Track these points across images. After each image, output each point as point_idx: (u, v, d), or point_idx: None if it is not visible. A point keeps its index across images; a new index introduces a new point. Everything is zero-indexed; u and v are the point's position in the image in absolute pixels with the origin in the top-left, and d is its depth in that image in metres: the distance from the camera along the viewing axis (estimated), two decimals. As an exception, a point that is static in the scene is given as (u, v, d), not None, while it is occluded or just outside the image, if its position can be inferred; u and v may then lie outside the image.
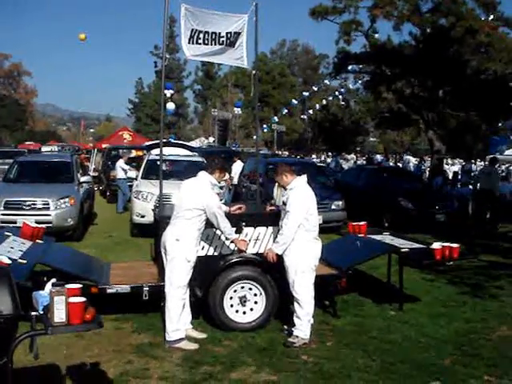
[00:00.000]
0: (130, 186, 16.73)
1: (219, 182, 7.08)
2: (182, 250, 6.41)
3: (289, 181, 6.81)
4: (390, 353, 6.39)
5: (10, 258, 6.49)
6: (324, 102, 59.50)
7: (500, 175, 18.65)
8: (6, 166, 16.86)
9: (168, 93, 40.29)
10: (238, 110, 52.62)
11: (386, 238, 8.96)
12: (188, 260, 6.42)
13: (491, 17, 22.65)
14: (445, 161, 28.07)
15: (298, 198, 6.64)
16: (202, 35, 8.62)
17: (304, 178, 6.88)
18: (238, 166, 20.11)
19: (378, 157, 41.46)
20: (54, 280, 4.32)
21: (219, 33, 8.71)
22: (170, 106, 39.33)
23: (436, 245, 7.86)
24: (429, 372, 5.90)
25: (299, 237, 6.61)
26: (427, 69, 22.33)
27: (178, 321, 6.46)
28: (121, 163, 19.25)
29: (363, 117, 61.67)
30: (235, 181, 19.60)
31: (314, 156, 52.11)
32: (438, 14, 22.82)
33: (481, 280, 9.92)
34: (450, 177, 24.63)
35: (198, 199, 6.45)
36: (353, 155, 49.54)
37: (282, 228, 6.65)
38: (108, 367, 5.84)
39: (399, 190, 16.55)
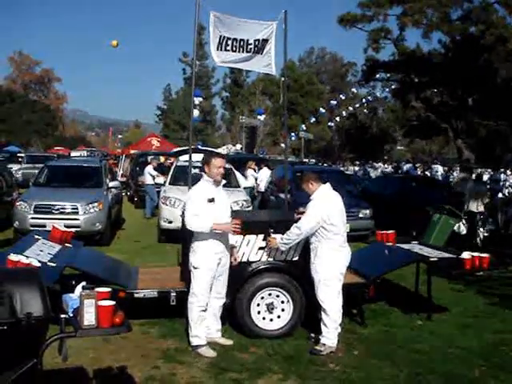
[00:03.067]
0: (158, 192, 16.83)
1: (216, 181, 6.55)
2: (200, 259, 6.42)
3: (314, 188, 6.81)
4: (417, 363, 6.33)
5: (39, 261, 6.58)
6: (351, 108, 59.33)
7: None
8: (36, 171, 17.11)
9: (196, 100, 40.49)
10: (261, 118, 52.41)
11: (415, 246, 8.88)
12: (208, 268, 6.41)
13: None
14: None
15: (318, 202, 6.67)
16: (230, 42, 8.67)
17: (328, 185, 6.89)
18: (264, 173, 20.05)
19: (407, 166, 41.11)
20: (83, 283, 4.35)
21: (247, 40, 8.74)
22: (195, 113, 39.53)
23: (466, 254, 7.77)
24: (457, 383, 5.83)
25: (323, 245, 6.61)
26: (456, 77, 22.15)
27: (197, 327, 6.45)
28: (149, 169, 19.45)
29: (391, 125, 61.36)
30: (262, 188, 19.58)
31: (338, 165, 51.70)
32: (467, 22, 22.65)
33: (511, 291, 9.77)
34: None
35: None
36: (380, 163, 49.18)
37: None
38: (135, 372, 5.86)
39: (426, 198, 16.36)
